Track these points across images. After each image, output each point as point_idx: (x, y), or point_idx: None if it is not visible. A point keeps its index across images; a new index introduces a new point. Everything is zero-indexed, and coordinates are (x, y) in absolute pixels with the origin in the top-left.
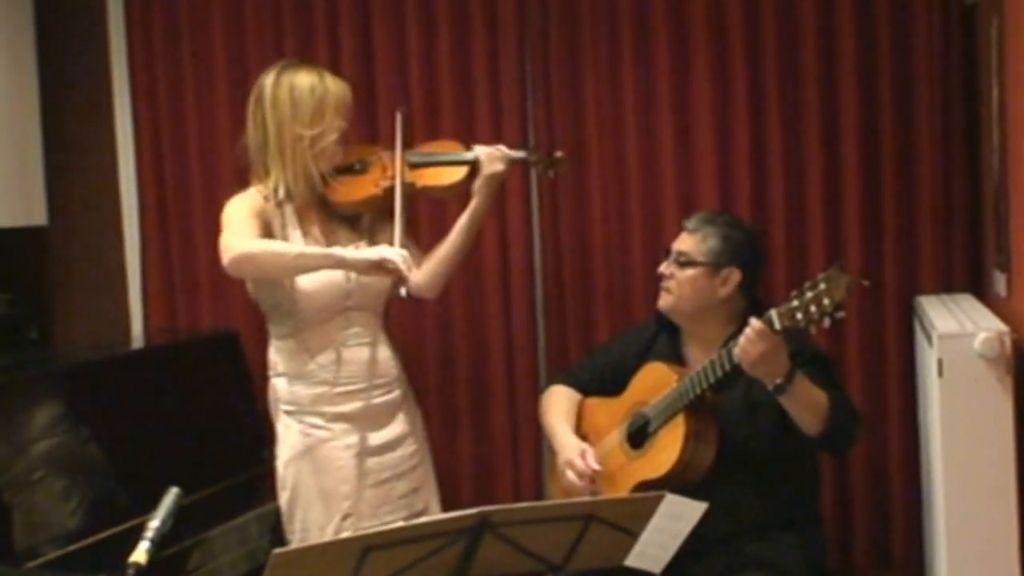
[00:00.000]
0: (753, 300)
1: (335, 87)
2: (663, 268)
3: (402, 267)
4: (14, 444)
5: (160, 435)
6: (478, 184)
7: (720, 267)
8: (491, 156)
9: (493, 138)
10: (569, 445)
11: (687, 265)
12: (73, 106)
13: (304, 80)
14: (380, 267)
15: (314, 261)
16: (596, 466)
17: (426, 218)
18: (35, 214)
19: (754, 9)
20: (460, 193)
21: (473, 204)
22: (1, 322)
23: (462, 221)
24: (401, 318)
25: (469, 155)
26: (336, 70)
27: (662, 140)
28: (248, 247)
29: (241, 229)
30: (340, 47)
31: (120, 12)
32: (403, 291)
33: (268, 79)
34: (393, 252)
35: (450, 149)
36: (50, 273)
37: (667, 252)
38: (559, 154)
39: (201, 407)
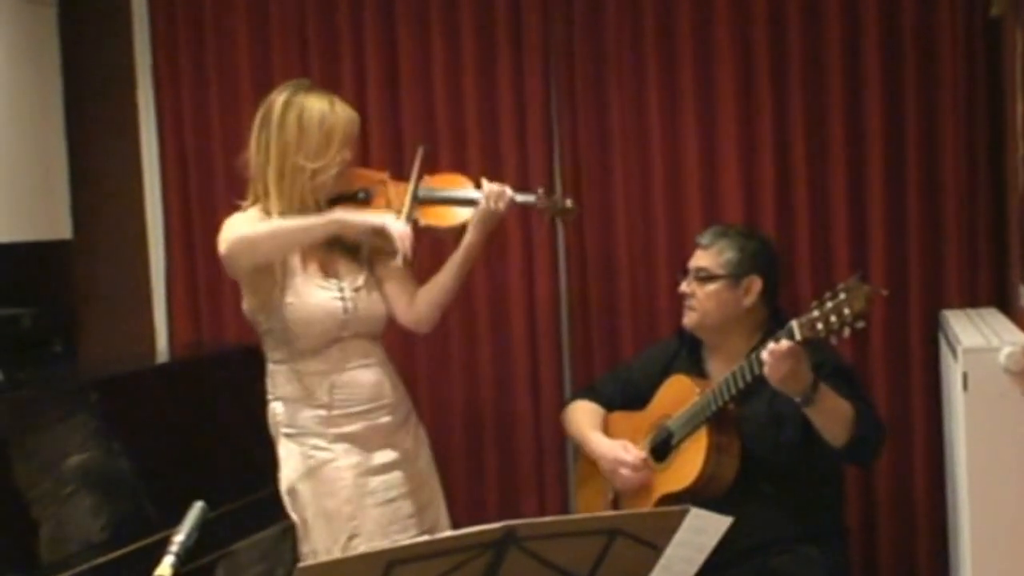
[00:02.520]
0: (774, 309)
1: (344, 118)
2: (684, 287)
3: (398, 243)
4: (40, 458)
5: (185, 449)
6: (474, 219)
7: (740, 277)
8: (494, 194)
9: (519, 157)
10: (608, 445)
11: (707, 280)
12: (98, 120)
13: (314, 108)
14: (380, 233)
15: (318, 232)
16: (642, 454)
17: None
18: (60, 228)
19: (779, 24)
20: (461, 234)
21: (467, 240)
22: (26, 336)
23: (455, 257)
24: (427, 335)
25: (475, 193)
26: (361, 90)
27: (687, 157)
28: (243, 231)
29: (240, 228)
30: (365, 64)
31: (145, 26)
32: (399, 260)
33: (278, 100)
34: (397, 225)
35: (457, 185)
36: (75, 287)
37: (685, 271)
38: (569, 203)
39: (226, 421)
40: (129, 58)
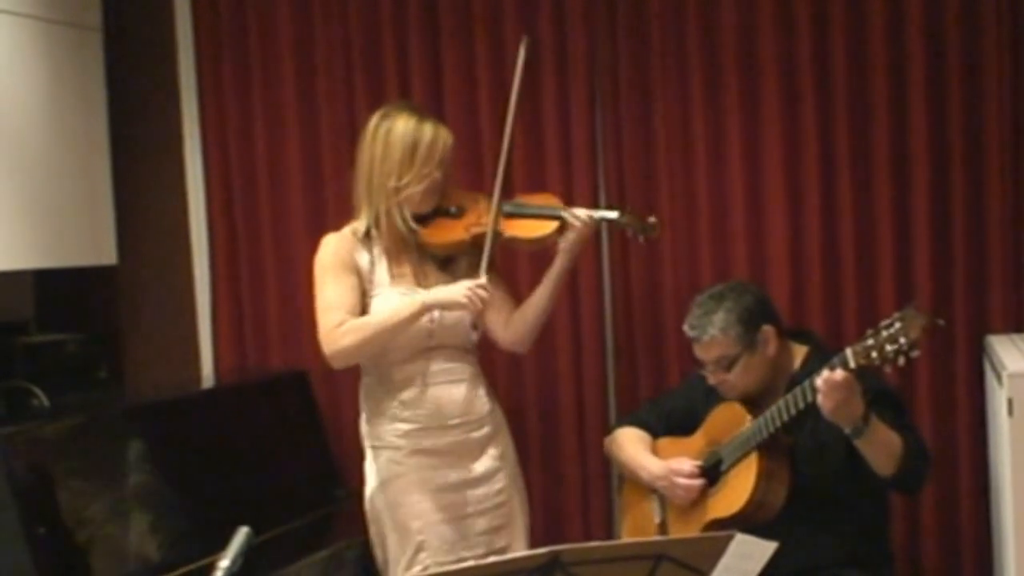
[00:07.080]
0: (787, 332)
1: (430, 136)
2: (712, 381)
3: (469, 306)
4: (84, 485)
5: (231, 474)
6: (561, 243)
7: (754, 339)
8: (578, 216)
9: (563, 179)
10: (662, 462)
11: (732, 364)
12: (143, 146)
13: (400, 127)
14: (459, 308)
15: (412, 320)
16: (697, 461)
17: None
18: (105, 254)
19: (823, 47)
20: (547, 248)
21: (557, 263)
22: (71, 361)
23: (548, 279)
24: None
25: (559, 211)
26: None
27: (731, 179)
28: (342, 344)
29: (333, 303)
30: (410, 82)
31: (190, 51)
32: (473, 335)
33: (373, 118)
34: (475, 302)
35: (546, 202)
36: (120, 313)
37: (697, 363)
38: (652, 219)
39: (271, 446)
40: (174, 83)
